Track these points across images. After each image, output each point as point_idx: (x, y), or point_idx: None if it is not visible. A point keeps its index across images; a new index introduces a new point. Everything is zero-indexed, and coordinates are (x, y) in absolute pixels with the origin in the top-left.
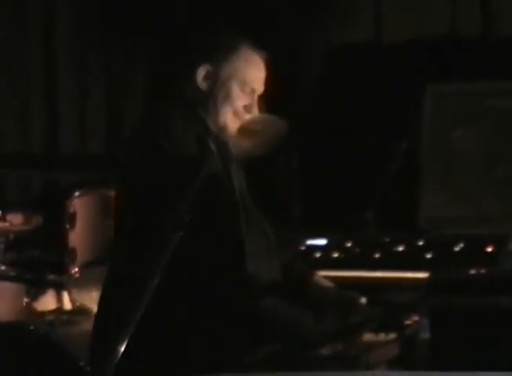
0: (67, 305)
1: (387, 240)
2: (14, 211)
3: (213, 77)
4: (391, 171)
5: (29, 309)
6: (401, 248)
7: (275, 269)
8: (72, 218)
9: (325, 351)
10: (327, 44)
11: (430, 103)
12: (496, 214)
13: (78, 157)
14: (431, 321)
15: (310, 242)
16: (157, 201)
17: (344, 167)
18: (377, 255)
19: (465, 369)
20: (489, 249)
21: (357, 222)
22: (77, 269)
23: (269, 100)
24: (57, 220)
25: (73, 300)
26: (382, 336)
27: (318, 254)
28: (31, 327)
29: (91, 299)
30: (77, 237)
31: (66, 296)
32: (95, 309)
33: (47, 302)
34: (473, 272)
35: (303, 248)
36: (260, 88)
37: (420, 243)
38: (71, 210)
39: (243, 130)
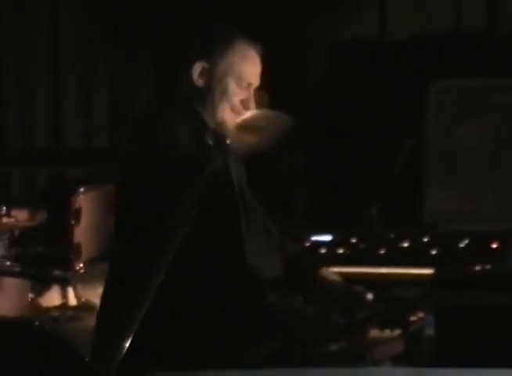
0: (72, 300)
1: (392, 236)
2: (19, 206)
3: (209, 74)
4: (396, 167)
5: (34, 305)
6: (406, 244)
7: (277, 265)
8: (77, 214)
9: (330, 347)
10: (330, 40)
11: (435, 99)
12: (502, 210)
13: (83, 153)
14: (436, 317)
15: (315, 238)
16: (162, 199)
17: (349, 163)
18: (382, 251)
19: (470, 365)
20: (494, 245)
21: (362, 218)
22: (82, 265)
23: (273, 96)
24: (62, 216)
25: (78, 296)
26: (387, 332)
27: (323, 251)
28: (36, 323)
29: (96, 295)
30: (82, 233)
31: (71, 292)
32: None
33: (52, 298)
34: (478, 268)
35: (308, 244)
36: (256, 82)
37: (425, 239)
38: (76, 206)
39: (248, 126)
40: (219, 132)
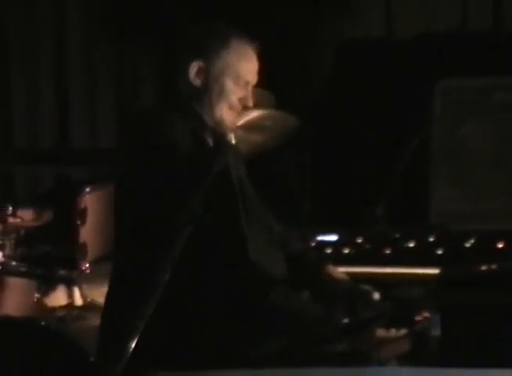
0: (78, 300)
1: (398, 236)
2: (25, 206)
3: (206, 73)
4: (401, 167)
5: (40, 305)
6: (411, 244)
7: (280, 263)
8: (83, 214)
9: (335, 346)
10: (336, 40)
11: (439, 98)
12: (508, 209)
13: (89, 153)
14: (442, 317)
15: (320, 238)
16: (164, 198)
17: (354, 163)
18: (388, 251)
19: (475, 365)
20: (500, 245)
21: (367, 218)
22: (87, 265)
23: (279, 96)
24: (68, 216)
25: (84, 295)
26: (392, 332)
27: (328, 250)
28: (42, 323)
29: (101, 295)
30: (88, 233)
31: (76, 292)
32: None
33: (58, 298)
34: (483, 268)
35: (313, 244)
36: (254, 79)
37: (431, 239)
38: (82, 205)
39: (253, 125)
40: (218, 131)
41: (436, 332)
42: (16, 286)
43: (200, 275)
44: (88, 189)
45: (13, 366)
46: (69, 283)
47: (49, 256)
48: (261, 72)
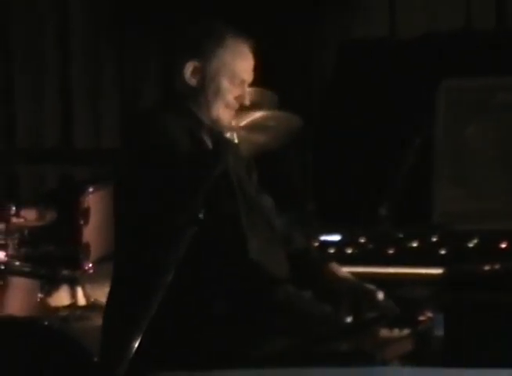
0: (81, 300)
1: (401, 235)
2: (28, 207)
3: (201, 73)
4: (405, 167)
5: (43, 305)
6: (415, 244)
7: (283, 262)
8: (86, 214)
9: (337, 345)
10: (335, 40)
11: (444, 98)
12: (511, 209)
13: (92, 153)
14: (445, 317)
15: (324, 238)
16: (165, 198)
17: (358, 163)
18: (391, 251)
19: (479, 365)
20: (503, 245)
21: (371, 218)
22: (90, 265)
23: (282, 96)
24: (71, 216)
25: (87, 295)
26: (396, 331)
27: (331, 250)
28: (45, 323)
29: (105, 295)
30: (91, 233)
31: (80, 291)
32: None
33: (61, 298)
34: (487, 267)
35: (317, 244)
36: (249, 78)
37: (434, 239)
38: (85, 205)
39: (257, 125)
40: (216, 130)
41: (439, 332)
42: (20, 286)
43: (200, 275)
44: (91, 189)
45: (17, 365)
46: (72, 283)
47: (52, 256)
48: (262, 72)
